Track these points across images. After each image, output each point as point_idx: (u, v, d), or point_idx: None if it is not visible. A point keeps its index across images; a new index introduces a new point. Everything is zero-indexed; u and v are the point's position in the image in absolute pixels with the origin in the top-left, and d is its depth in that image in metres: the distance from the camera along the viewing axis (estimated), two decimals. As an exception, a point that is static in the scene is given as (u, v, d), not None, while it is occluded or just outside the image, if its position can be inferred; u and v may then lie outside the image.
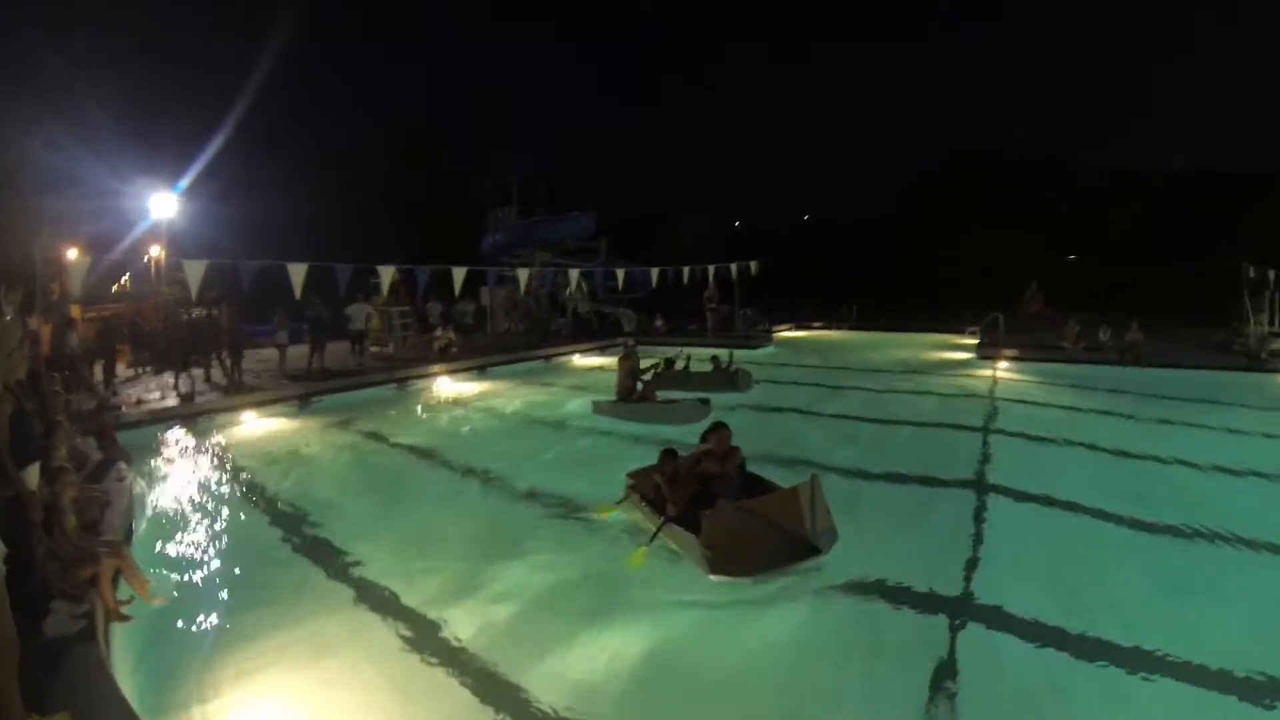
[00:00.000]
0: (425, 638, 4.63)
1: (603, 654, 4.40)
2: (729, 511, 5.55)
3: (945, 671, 4.08)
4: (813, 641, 4.55)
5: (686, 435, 8.67)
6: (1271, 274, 17.73)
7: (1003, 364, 17.32)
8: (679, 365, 14.20)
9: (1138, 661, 4.13)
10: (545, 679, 4.10)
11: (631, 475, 7.11)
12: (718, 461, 6.29)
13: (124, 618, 4.58)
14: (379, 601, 5.17)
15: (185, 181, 24.08)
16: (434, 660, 4.36)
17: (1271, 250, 20.65)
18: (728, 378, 13.80)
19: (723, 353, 14.89)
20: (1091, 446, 9.34)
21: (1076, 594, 5.05)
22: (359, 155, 45.73)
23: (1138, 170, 40.96)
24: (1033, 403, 12.74)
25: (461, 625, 4.76)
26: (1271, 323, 17.77)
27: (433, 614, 4.92)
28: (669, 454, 6.45)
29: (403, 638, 4.64)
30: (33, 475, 4.71)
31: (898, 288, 36.76)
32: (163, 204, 17.98)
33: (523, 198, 29.89)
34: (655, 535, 5.92)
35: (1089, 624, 4.53)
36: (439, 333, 19.09)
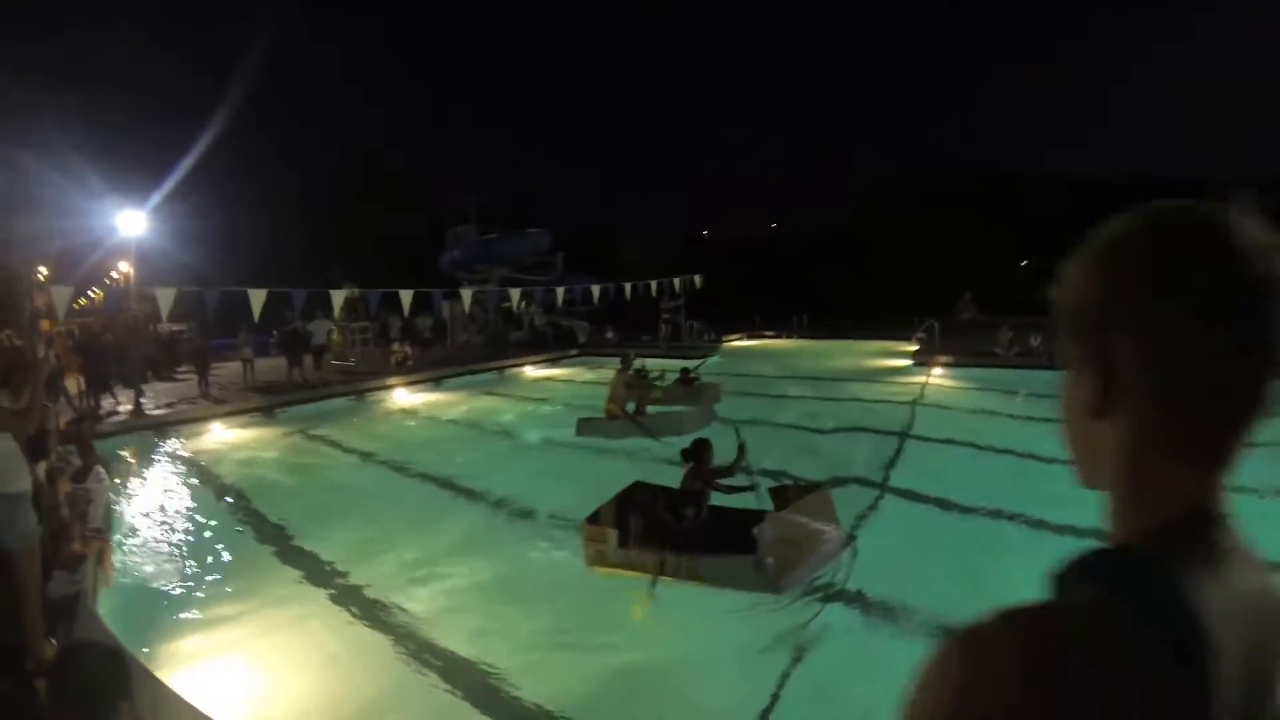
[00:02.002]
0: (372, 613, 5.31)
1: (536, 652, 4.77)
2: (780, 521, 5.48)
3: (801, 654, 4.54)
4: (686, 632, 4.98)
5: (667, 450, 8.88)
6: None
7: (936, 370, 17.79)
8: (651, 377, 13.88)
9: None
10: (482, 660, 4.60)
11: (591, 521, 6.00)
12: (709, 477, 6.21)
13: (108, 585, 5.73)
14: (331, 584, 5.91)
15: (155, 200, 24.99)
16: (380, 634, 4.97)
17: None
18: (692, 391, 13.24)
19: (692, 364, 14.52)
20: (999, 449, 9.57)
21: (945, 587, 5.32)
22: (325, 171, 46.75)
23: (1086, 177, 43.02)
24: (954, 408, 13.15)
25: (411, 610, 5.31)
26: None
27: (377, 595, 5.59)
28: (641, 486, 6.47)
29: (350, 613, 5.31)
30: (40, 472, 5.84)
31: (850, 296, 37.71)
32: (131, 221, 18.82)
33: (481, 218, 30.95)
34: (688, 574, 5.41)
35: (943, 610, 4.84)
36: (395, 346, 20.19)
